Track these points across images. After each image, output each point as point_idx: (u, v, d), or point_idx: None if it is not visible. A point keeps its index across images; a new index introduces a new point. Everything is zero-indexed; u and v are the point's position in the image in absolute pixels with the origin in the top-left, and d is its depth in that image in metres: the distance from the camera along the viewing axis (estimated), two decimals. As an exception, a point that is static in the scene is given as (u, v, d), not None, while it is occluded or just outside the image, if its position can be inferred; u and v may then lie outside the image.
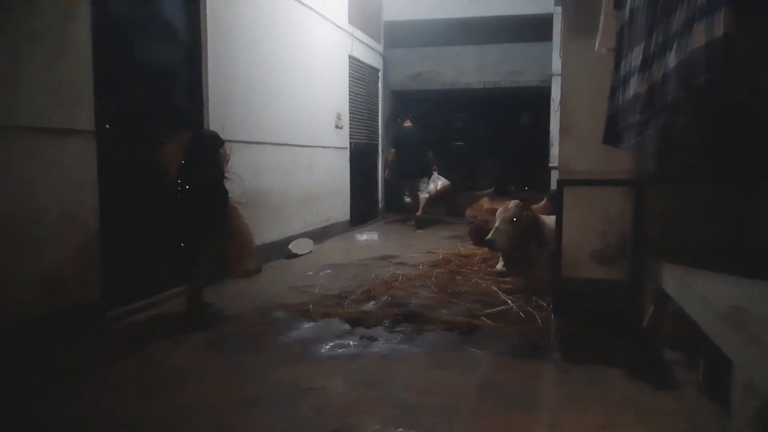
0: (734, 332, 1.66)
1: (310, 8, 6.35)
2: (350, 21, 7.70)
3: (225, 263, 3.71)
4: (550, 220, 4.14)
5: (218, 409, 2.32)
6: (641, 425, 2.18)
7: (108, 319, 3.40)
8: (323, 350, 3.01)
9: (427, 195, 8.53)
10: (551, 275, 3.58)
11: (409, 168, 8.49)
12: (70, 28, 3.16)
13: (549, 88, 8.40)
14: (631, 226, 3.22)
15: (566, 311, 3.40)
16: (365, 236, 7.47)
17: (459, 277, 4.64)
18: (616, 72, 2.86)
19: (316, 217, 6.65)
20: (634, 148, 2.83)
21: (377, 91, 9.16)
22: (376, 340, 3.14)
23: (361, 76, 8.30)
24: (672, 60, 1.94)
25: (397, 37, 9.47)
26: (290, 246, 5.74)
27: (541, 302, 3.77)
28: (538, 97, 9.48)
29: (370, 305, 3.84)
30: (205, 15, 4.45)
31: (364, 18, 8.29)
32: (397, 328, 3.33)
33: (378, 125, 9.19)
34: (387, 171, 9.03)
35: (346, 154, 7.74)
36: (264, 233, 5.16)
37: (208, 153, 3.66)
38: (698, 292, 2.05)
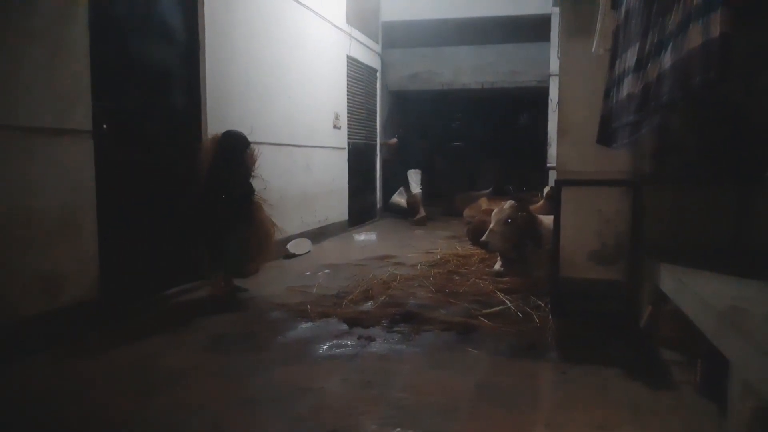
0: (731, 332, 1.66)
1: (308, 8, 6.35)
2: (348, 21, 7.70)
3: (248, 255, 3.96)
4: (548, 220, 4.15)
5: (216, 409, 2.32)
6: (639, 425, 2.18)
7: (106, 319, 3.39)
8: (321, 350, 3.01)
9: (419, 189, 8.82)
10: (549, 275, 3.59)
11: (412, 159, 9.01)
12: (67, 28, 3.16)
13: (547, 89, 8.41)
14: (629, 226, 3.23)
15: (564, 311, 3.41)
16: (363, 236, 7.47)
17: (457, 277, 4.64)
18: (611, 72, 2.87)
19: (314, 217, 6.65)
20: (626, 148, 2.83)
21: (375, 91, 9.16)
22: (374, 340, 3.14)
23: (359, 76, 8.30)
24: (667, 60, 1.94)
25: (395, 38, 9.47)
26: (288, 246, 5.73)
27: (539, 302, 3.77)
28: (536, 98, 9.50)
29: (368, 305, 3.84)
30: (203, 15, 4.44)
31: (362, 18, 8.29)
32: (395, 328, 3.33)
33: (376, 125, 9.19)
34: (385, 148, 9.33)
35: (344, 154, 7.74)
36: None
37: (237, 151, 3.93)
38: (696, 292, 2.05)
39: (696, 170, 2.99)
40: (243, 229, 3.89)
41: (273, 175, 5.53)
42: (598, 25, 2.97)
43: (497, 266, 4.80)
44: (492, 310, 3.66)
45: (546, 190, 6.74)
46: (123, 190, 3.63)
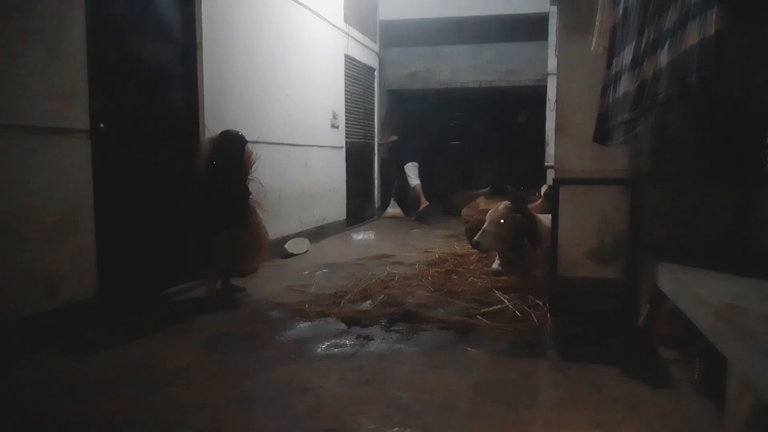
0: (730, 330, 1.66)
1: (306, 7, 6.34)
2: (346, 20, 7.69)
3: (241, 256, 3.96)
4: (546, 219, 4.14)
5: (214, 408, 2.31)
6: (637, 423, 2.18)
7: (104, 319, 3.38)
8: (319, 349, 3.01)
9: (418, 182, 8.95)
10: (547, 274, 3.58)
11: (409, 153, 9.11)
12: (64, 27, 3.15)
13: (545, 88, 8.42)
14: (627, 224, 3.22)
15: (562, 310, 3.41)
16: (361, 235, 7.47)
17: (455, 277, 4.64)
18: (608, 70, 2.86)
19: (312, 216, 6.64)
20: (623, 146, 2.83)
21: (373, 90, 9.15)
22: (372, 339, 3.14)
23: (357, 75, 8.29)
24: (664, 58, 1.94)
25: (393, 36, 9.47)
26: (286, 245, 5.73)
27: (537, 301, 3.78)
28: (534, 97, 9.50)
29: (367, 304, 3.83)
30: (200, 13, 4.43)
31: (359, 17, 8.28)
32: (393, 328, 3.33)
33: (374, 124, 9.19)
34: (383, 148, 9.39)
35: (342, 153, 7.73)
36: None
37: (233, 151, 3.91)
38: (694, 291, 2.05)
39: (695, 168, 2.99)
40: (236, 231, 3.87)
41: (271, 174, 5.54)
42: (597, 22, 2.97)
43: (495, 265, 4.80)
44: (490, 309, 3.66)
45: (544, 188, 6.75)
46: (121, 189, 3.63)
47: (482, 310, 3.61)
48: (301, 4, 6.21)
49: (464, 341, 3.12)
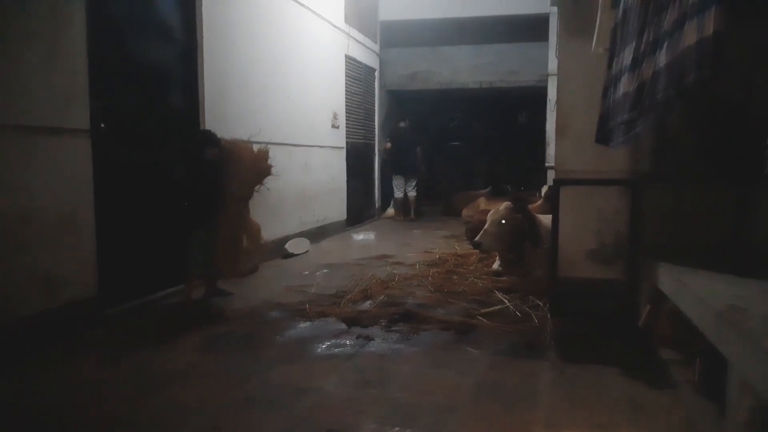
0: (730, 331, 1.66)
1: (306, 7, 6.34)
2: (346, 20, 7.69)
3: (215, 258, 3.80)
4: (546, 219, 4.14)
5: (214, 409, 2.31)
6: (637, 424, 2.18)
7: (104, 318, 3.38)
8: (319, 350, 3.01)
9: (415, 194, 9.03)
10: (547, 275, 3.58)
11: (401, 164, 8.99)
12: (65, 28, 3.15)
13: (545, 88, 8.42)
14: (628, 225, 3.22)
15: (562, 311, 3.40)
16: (362, 236, 7.47)
17: (455, 277, 4.64)
18: (609, 71, 2.86)
19: (312, 216, 6.64)
20: (624, 147, 2.83)
21: (374, 90, 9.15)
22: (373, 339, 3.14)
23: (358, 75, 8.29)
24: (662, 59, 1.94)
25: (394, 37, 9.47)
26: (286, 245, 5.73)
27: (538, 302, 3.77)
28: (535, 97, 9.49)
29: (367, 305, 3.83)
30: (201, 14, 4.44)
31: (360, 17, 8.28)
32: (394, 328, 3.33)
33: (375, 125, 9.19)
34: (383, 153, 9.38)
35: (343, 153, 7.73)
36: (260, 233, 5.14)
37: (200, 151, 3.76)
38: (694, 292, 2.05)
39: (695, 169, 2.99)
40: (210, 232, 3.74)
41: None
42: (598, 23, 2.97)
43: (496, 266, 4.79)
44: (491, 309, 3.66)
45: (544, 189, 6.74)
46: (121, 189, 3.63)
47: (482, 311, 3.61)
48: (301, 4, 6.21)
49: (464, 341, 3.12)
